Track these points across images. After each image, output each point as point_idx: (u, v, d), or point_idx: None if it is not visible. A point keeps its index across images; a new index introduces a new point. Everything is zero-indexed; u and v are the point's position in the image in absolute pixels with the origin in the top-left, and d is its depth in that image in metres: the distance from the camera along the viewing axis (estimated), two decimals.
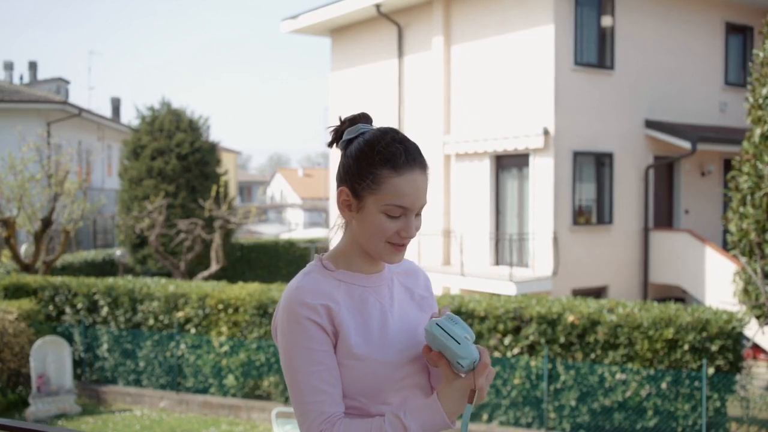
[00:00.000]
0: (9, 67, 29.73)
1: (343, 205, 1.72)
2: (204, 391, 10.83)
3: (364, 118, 1.77)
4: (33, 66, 31.34)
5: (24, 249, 15.52)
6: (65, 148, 15.54)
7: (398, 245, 1.69)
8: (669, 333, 8.40)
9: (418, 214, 1.71)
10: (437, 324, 1.57)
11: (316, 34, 18.80)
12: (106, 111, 34.89)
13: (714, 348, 8.31)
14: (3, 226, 12.90)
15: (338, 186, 1.73)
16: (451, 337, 1.55)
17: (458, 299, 9.63)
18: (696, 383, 8.37)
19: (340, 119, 1.78)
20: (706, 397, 8.31)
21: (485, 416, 9.31)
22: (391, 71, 16.56)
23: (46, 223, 13.30)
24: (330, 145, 1.80)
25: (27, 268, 13.20)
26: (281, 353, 1.66)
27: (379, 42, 16.85)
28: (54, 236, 15.79)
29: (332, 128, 1.80)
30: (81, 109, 23.57)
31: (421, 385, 1.71)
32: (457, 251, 14.90)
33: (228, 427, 9.93)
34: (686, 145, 14.10)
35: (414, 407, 1.58)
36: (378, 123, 1.77)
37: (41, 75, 32.16)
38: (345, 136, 1.74)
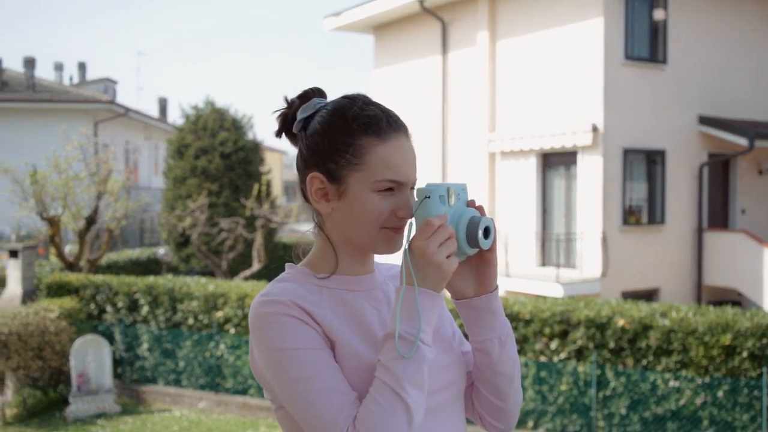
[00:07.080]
0: (59, 67, 30.28)
1: (317, 196, 1.39)
2: (243, 392, 10.69)
3: (317, 93, 1.43)
4: (82, 66, 31.86)
5: (68, 248, 15.65)
6: (110, 147, 15.60)
7: (396, 229, 1.36)
8: (726, 339, 7.96)
9: (412, 188, 1.38)
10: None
11: (359, 32, 18.59)
12: (154, 111, 35.34)
13: None
14: (48, 224, 12.98)
15: (305, 175, 1.39)
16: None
17: (503, 301, 9.30)
18: (755, 392, 7.92)
19: (287, 100, 1.44)
20: (767, 407, 7.87)
21: (531, 423, 8.97)
22: (435, 68, 16.25)
23: (90, 221, 13.35)
24: (278, 134, 1.44)
25: (71, 266, 13.25)
26: (270, 374, 1.32)
27: (422, 38, 16.57)
28: (100, 234, 15.89)
29: (279, 112, 1.44)
30: (127, 109, 23.83)
31: (450, 403, 1.42)
32: (502, 252, 14.54)
33: (266, 429, 9.77)
34: (743, 141, 13.52)
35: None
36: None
37: (90, 75, 32.67)
38: (300, 115, 1.40)
